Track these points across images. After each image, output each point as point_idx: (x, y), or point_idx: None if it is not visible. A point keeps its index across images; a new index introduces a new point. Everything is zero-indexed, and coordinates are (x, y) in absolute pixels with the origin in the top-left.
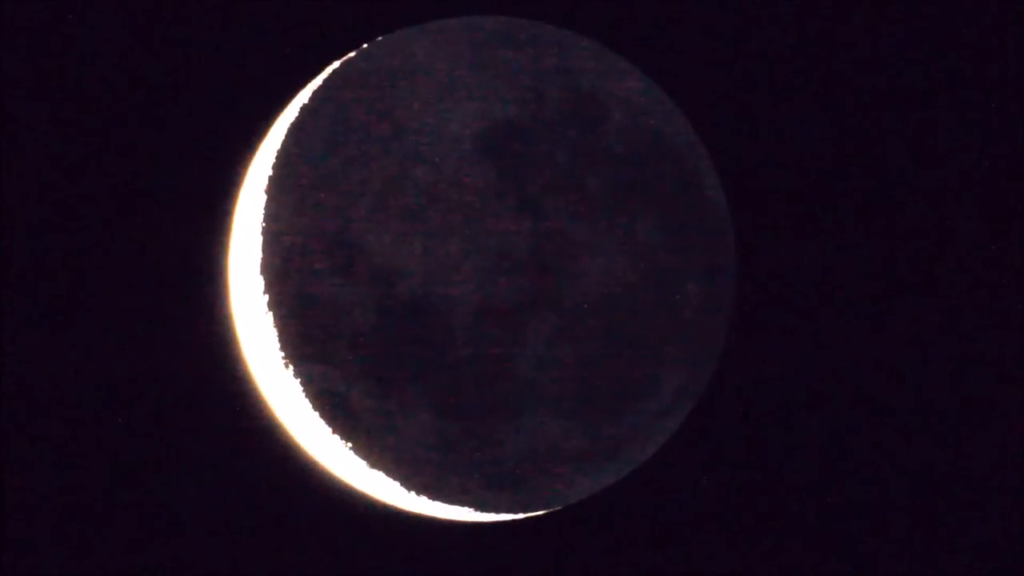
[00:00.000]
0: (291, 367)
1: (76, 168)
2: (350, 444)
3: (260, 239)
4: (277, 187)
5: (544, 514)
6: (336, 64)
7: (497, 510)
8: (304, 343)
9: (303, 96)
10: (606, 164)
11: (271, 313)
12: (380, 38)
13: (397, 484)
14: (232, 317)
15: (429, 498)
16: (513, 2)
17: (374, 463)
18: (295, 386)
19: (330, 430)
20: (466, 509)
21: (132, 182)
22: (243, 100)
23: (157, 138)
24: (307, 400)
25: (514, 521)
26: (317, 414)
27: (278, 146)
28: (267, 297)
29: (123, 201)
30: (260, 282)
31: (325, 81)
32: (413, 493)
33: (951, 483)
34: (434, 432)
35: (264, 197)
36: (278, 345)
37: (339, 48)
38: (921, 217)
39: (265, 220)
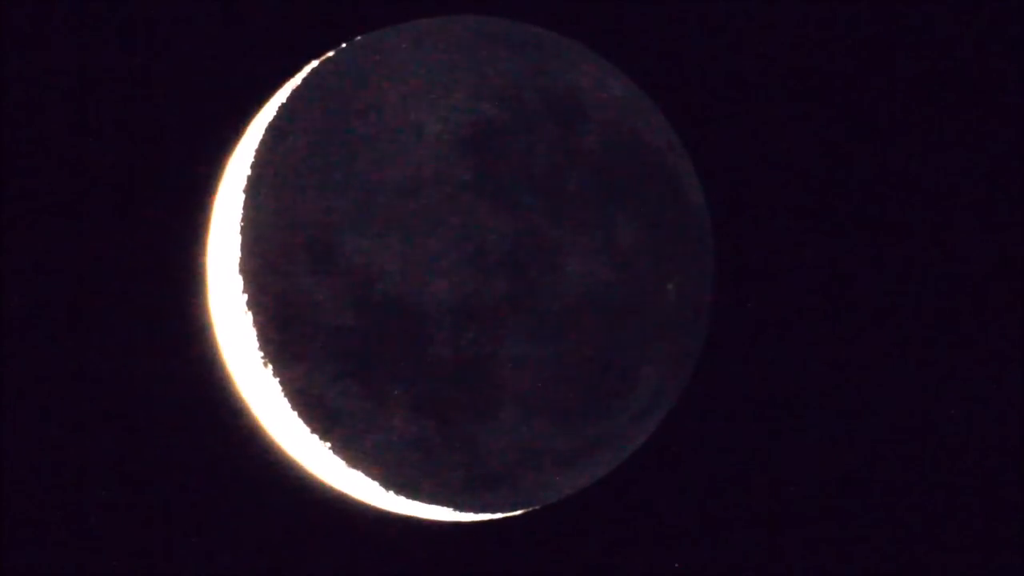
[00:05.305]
0: (269, 367)
1: (54, 168)
2: (328, 443)
3: (239, 239)
4: (256, 187)
5: (523, 513)
6: (315, 63)
7: (475, 509)
8: (283, 343)
9: (282, 95)
10: (586, 164)
11: (250, 313)
12: (359, 37)
13: (376, 483)
14: (211, 317)
15: (408, 497)
16: (494, 2)
17: (352, 462)
18: (273, 386)
19: (308, 429)
20: (445, 508)
21: (111, 182)
22: (222, 99)
23: (135, 138)
24: (285, 400)
25: (493, 520)
26: (295, 414)
27: (256, 145)
28: (246, 297)
29: (102, 201)
30: (239, 282)
31: (304, 80)
32: (392, 492)
33: (938, 483)
34: (413, 431)
35: (243, 197)
36: (257, 345)
37: (318, 47)
38: (903, 218)
39: (243, 220)
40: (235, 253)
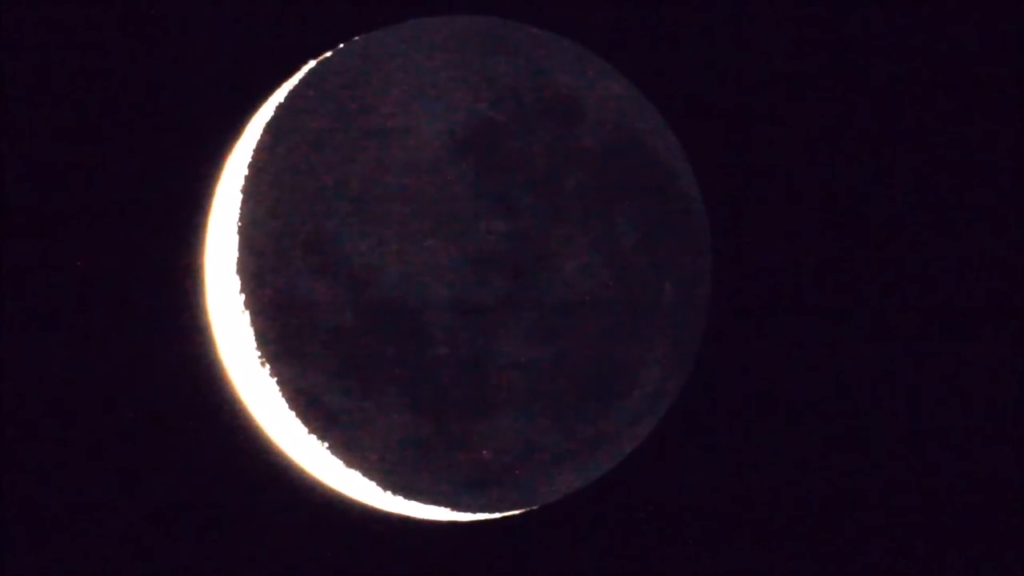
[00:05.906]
0: (267, 366)
1: (51, 167)
2: (326, 443)
3: (236, 239)
4: (253, 187)
5: (520, 513)
6: (312, 63)
7: (473, 509)
8: (280, 343)
9: (279, 95)
10: (583, 164)
11: (247, 313)
12: (357, 37)
13: (373, 484)
14: (208, 317)
15: (405, 498)
16: (493, 2)
17: (350, 462)
18: (271, 386)
19: (306, 430)
20: (442, 508)
21: (107, 182)
22: (219, 99)
23: (132, 138)
24: (283, 400)
25: (490, 520)
26: (293, 414)
27: (254, 145)
28: (243, 297)
29: (99, 201)
30: (236, 282)
31: (301, 80)
32: (389, 493)
33: (939, 483)
34: (410, 431)
35: (240, 197)
36: (254, 345)
37: (316, 47)
38: (903, 218)
39: (241, 220)
40: (233, 253)
